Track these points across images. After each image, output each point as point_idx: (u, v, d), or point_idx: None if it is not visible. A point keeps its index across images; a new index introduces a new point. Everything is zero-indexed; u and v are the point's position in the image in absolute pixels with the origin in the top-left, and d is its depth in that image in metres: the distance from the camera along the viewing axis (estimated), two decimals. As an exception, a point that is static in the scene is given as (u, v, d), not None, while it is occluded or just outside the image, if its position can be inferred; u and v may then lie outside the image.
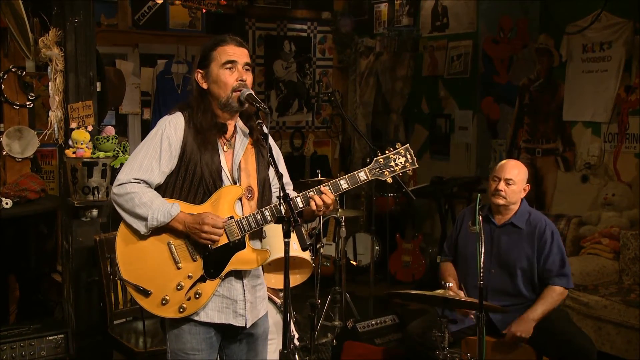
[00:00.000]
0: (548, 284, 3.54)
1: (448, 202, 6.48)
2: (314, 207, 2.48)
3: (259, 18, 7.43)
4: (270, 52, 7.52)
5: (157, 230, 2.46)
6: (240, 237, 2.48)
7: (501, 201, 3.60)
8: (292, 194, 2.63)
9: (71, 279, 4.02)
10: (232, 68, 2.48)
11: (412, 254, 6.35)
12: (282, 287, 3.43)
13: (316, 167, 5.00)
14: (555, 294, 3.52)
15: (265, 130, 2.48)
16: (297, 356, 3.91)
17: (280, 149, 2.74)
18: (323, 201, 2.48)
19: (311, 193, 2.49)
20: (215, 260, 2.48)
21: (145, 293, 2.47)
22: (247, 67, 2.52)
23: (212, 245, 2.46)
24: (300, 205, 2.48)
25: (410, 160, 2.57)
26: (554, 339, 3.44)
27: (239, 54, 2.50)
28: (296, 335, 3.90)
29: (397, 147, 2.58)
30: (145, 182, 2.46)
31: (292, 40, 7.64)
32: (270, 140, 2.51)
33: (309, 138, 6.99)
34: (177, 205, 2.44)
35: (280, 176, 2.40)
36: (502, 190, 3.59)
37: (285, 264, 2.32)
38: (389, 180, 2.55)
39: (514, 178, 3.58)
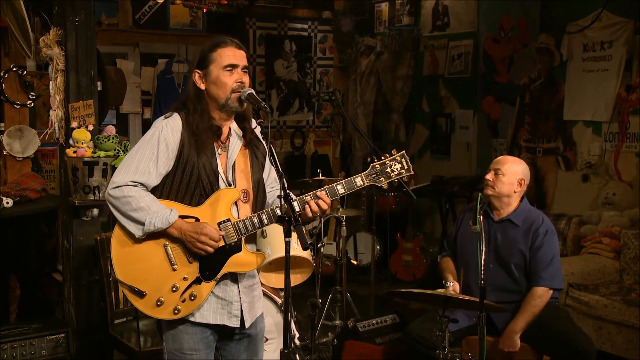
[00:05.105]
0: (532, 284, 3.50)
1: (449, 201, 6.47)
2: (309, 214, 2.49)
3: (260, 17, 7.42)
4: (271, 51, 7.52)
5: (153, 233, 2.45)
6: (236, 239, 2.49)
7: (489, 191, 3.59)
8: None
9: (72, 278, 4.02)
10: (232, 70, 2.49)
11: (412, 254, 6.35)
12: (282, 286, 3.44)
13: (317, 167, 4.99)
14: (536, 298, 3.45)
15: (264, 131, 2.49)
16: (297, 355, 3.92)
17: (281, 149, 2.75)
18: (319, 206, 2.49)
19: (308, 197, 2.49)
20: (211, 262, 2.48)
21: (140, 294, 2.47)
22: (246, 69, 2.53)
23: None
24: (297, 209, 2.47)
25: (405, 167, 2.59)
26: (554, 339, 3.43)
27: (239, 57, 2.51)
28: (297, 335, 3.90)
29: (393, 153, 2.59)
30: (142, 184, 2.45)
31: (293, 40, 7.64)
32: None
33: (309, 137, 6.97)
34: (176, 212, 2.43)
35: (281, 175, 2.40)
36: (490, 180, 3.58)
37: (286, 263, 2.32)
38: (385, 186, 2.57)
39: (502, 168, 3.57)
